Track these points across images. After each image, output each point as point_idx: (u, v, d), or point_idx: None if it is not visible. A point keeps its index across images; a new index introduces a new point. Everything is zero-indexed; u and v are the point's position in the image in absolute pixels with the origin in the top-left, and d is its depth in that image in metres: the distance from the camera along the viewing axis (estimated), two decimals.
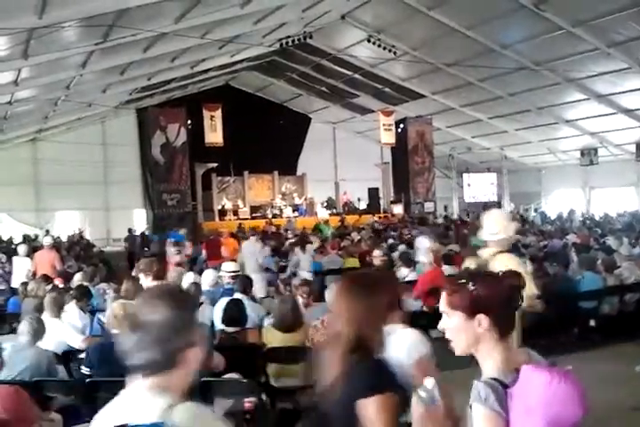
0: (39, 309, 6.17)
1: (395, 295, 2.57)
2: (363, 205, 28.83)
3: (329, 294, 5.25)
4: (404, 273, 9.54)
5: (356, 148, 30.77)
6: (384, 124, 27.52)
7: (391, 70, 23.55)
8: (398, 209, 28.49)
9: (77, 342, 5.78)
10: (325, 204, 28.21)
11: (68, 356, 5.57)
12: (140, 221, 26.39)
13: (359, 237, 15.52)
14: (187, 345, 1.70)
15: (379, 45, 19.51)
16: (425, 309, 8.72)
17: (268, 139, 26.17)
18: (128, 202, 26.59)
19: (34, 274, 10.26)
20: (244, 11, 13.56)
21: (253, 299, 7.04)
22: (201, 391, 3.73)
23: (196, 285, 7.10)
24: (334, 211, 27.71)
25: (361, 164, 29.70)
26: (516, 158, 31.09)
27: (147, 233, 23.59)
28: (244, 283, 6.87)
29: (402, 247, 12.60)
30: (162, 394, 1.64)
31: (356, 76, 24.81)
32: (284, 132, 27.82)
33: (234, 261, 10.67)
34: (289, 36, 19.09)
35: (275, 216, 25.28)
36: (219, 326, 5.86)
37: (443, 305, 1.99)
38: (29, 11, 9.40)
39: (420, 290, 8.72)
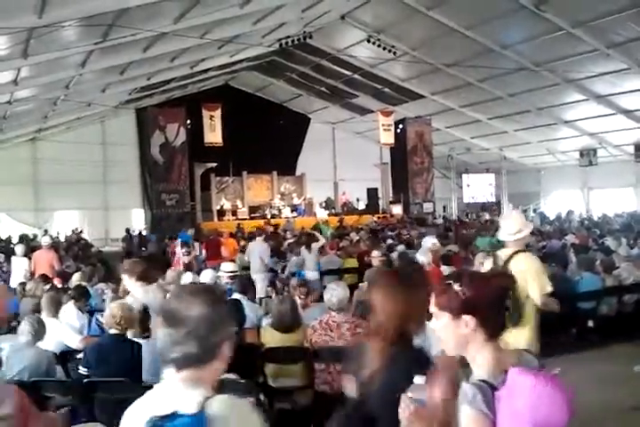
0: (37, 309, 6.17)
1: (429, 289, 2.65)
2: (362, 206, 28.82)
3: (327, 295, 5.25)
4: None
5: (355, 148, 30.78)
6: (383, 125, 27.53)
7: (391, 70, 23.56)
8: (397, 209, 28.48)
9: (75, 342, 5.78)
10: (324, 204, 28.20)
11: (66, 356, 5.57)
12: (138, 221, 26.42)
13: (358, 238, 15.51)
14: (222, 340, 1.78)
15: (378, 45, 19.52)
16: None
17: (268, 139, 26.16)
18: (127, 202, 26.60)
19: (32, 274, 10.27)
20: (244, 11, 13.56)
21: (252, 299, 7.03)
22: None
23: None
24: (333, 211, 27.70)
25: (360, 164, 29.70)
26: (515, 159, 31.10)
27: (144, 233, 23.63)
28: (243, 283, 6.86)
29: (400, 248, 12.59)
30: (196, 386, 1.70)
31: (356, 76, 24.82)
32: (283, 133, 27.80)
33: (233, 261, 10.69)
34: (288, 36, 19.09)
35: (273, 216, 25.25)
36: None
37: (431, 306, 2.00)
38: (29, 10, 9.40)
39: None
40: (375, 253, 10.70)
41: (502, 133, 27.44)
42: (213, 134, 24.93)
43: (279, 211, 26.09)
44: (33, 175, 25.07)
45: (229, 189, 28.20)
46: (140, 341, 4.94)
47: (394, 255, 11.20)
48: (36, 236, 21.47)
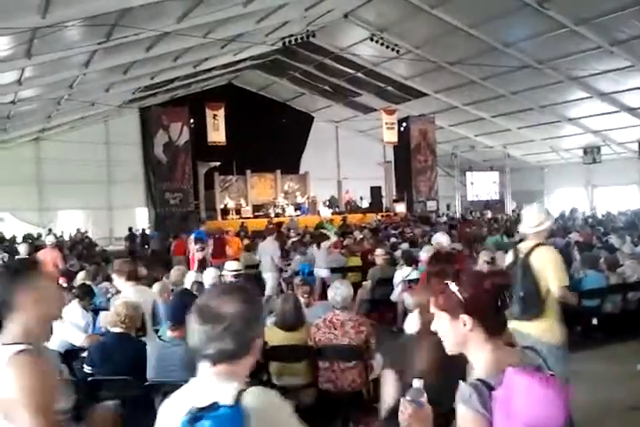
0: None
1: None
2: (365, 204, 28.80)
3: (331, 293, 5.27)
4: (406, 272, 9.54)
5: (358, 146, 30.80)
6: (387, 123, 27.53)
7: (394, 69, 23.53)
8: (401, 208, 28.47)
9: (80, 340, 5.80)
10: (328, 202, 28.21)
11: (71, 354, 5.59)
12: (142, 220, 26.45)
13: (361, 236, 15.52)
14: (255, 336, 1.86)
15: (381, 44, 19.50)
16: None
17: (271, 137, 26.19)
18: (131, 201, 26.65)
19: None
20: (247, 9, 13.56)
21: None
22: None
23: (199, 284, 7.09)
24: (336, 209, 27.70)
25: (363, 162, 29.74)
26: (518, 157, 31.08)
27: (148, 232, 23.69)
28: (247, 282, 6.88)
29: (404, 246, 12.59)
30: (230, 380, 1.78)
31: (359, 74, 24.80)
32: (286, 131, 27.82)
33: (237, 260, 10.71)
34: (292, 35, 19.09)
35: (277, 215, 25.24)
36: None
37: (432, 306, 2.01)
38: (32, 10, 9.43)
39: None
40: (379, 252, 10.75)
41: (506, 131, 27.42)
42: (217, 133, 24.96)
43: (283, 209, 26.08)
44: (37, 175, 25.13)
45: (233, 187, 28.21)
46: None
47: (397, 253, 11.23)
48: (40, 235, 21.53)
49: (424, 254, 9.27)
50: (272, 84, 28.80)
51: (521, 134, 27.43)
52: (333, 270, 11.18)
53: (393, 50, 19.73)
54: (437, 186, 30.07)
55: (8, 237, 21.32)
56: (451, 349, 1.98)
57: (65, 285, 8.66)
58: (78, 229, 23.91)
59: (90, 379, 4.61)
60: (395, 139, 28.06)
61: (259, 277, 10.92)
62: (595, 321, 8.17)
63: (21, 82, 13.58)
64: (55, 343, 5.40)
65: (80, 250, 17.53)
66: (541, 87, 21.32)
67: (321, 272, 11.06)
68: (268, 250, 11.29)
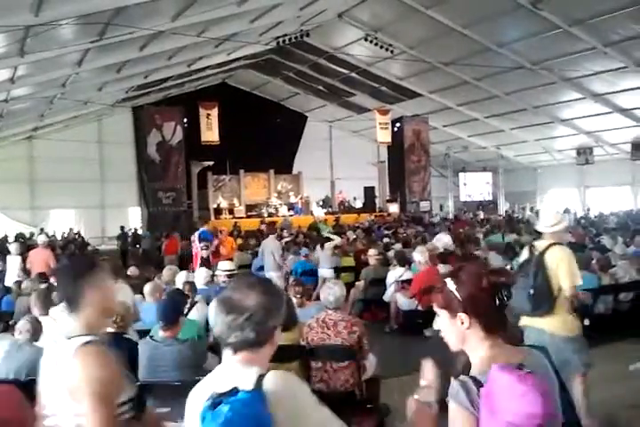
0: None
1: None
2: (358, 204, 28.80)
3: (324, 293, 5.26)
4: (399, 272, 9.56)
5: (352, 146, 30.81)
6: (380, 123, 27.58)
7: (388, 69, 23.56)
8: (394, 208, 28.49)
9: None
10: (321, 202, 28.20)
11: None
12: (135, 219, 26.37)
13: (354, 236, 15.53)
14: (275, 326, 1.98)
15: (376, 44, 19.52)
16: (420, 308, 8.74)
17: (265, 137, 26.17)
18: (123, 200, 26.56)
19: (28, 272, 10.25)
20: (241, 9, 13.57)
21: None
22: None
23: (191, 283, 7.08)
24: (330, 210, 27.70)
25: (357, 162, 29.75)
26: (511, 157, 31.16)
27: (139, 231, 23.63)
28: None
29: (397, 246, 12.60)
30: (251, 367, 1.89)
31: (353, 74, 24.82)
32: (280, 131, 27.81)
33: (230, 259, 10.70)
34: (286, 35, 19.09)
35: (270, 215, 25.22)
36: (213, 324, 5.84)
37: (434, 304, 2.05)
38: (26, 8, 9.39)
39: (415, 289, 8.74)
40: (372, 252, 10.76)
41: (499, 132, 27.50)
42: (210, 133, 24.94)
43: (276, 209, 26.05)
44: (29, 174, 25.00)
45: (226, 187, 28.18)
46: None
47: (390, 254, 11.24)
48: (32, 234, 21.44)
49: (417, 255, 9.30)
50: (266, 84, 28.77)
51: (514, 135, 27.51)
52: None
53: (387, 50, 19.75)
54: (430, 186, 30.13)
55: (0, 236, 21.22)
56: (452, 346, 2.01)
57: (56, 284, 8.61)
58: (71, 229, 23.82)
59: None
60: (388, 139, 28.11)
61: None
62: (587, 322, 8.18)
63: (14, 80, 13.52)
64: (45, 343, 5.37)
65: (72, 249, 17.46)
66: (535, 88, 21.40)
67: (324, 272, 11.08)
68: (270, 249, 11.31)
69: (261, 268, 11.37)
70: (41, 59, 12.21)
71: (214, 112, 25.00)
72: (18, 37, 10.56)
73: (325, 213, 26.14)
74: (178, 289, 6.81)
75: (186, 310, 5.94)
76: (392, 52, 19.93)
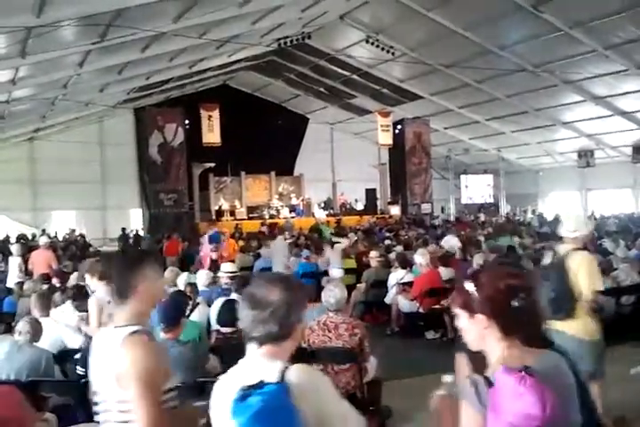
0: None
1: None
2: (360, 206, 28.80)
3: (325, 295, 5.25)
4: (400, 274, 9.55)
5: (353, 148, 30.75)
6: (381, 125, 27.59)
7: (389, 71, 23.57)
8: (395, 210, 28.50)
9: (78, 342, 5.76)
10: (323, 204, 28.20)
11: (64, 356, 5.55)
12: (136, 220, 26.38)
13: (356, 238, 15.52)
14: (297, 321, 2.06)
15: (377, 46, 19.54)
16: (421, 310, 8.73)
17: (266, 139, 26.11)
18: (125, 202, 26.55)
19: (30, 274, 10.26)
20: (243, 10, 13.55)
21: None
22: (197, 392, 3.72)
23: (193, 285, 7.07)
24: (331, 211, 27.70)
25: (358, 165, 29.72)
26: (513, 160, 31.16)
27: (141, 233, 23.63)
28: (242, 283, 6.85)
29: (399, 248, 12.59)
30: (274, 360, 1.98)
31: (354, 76, 24.81)
32: (281, 133, 27.75)
33: (232, 261, 10.70)
34: (287, 37, 19.10)
35: (272, 217, 25.23)
36: (214, 326, 5.85)
37: (453, 305, 2.11)
38: (27, 10, 9.38)
39: (417, 291, 8.73)
40: (373, 254, 10.76)
41: (500, 134, 27.49)
42: (212, 134, 24.96)
43: (277, 211, 26.06)
44: (31, 175, 25.00)
45: (227, 189, 28.19)
46: None
47: (392, 256, 11.24)
48: (34, 235, 21.44)
49: (418, 257, 9.29)
50: (267, 86, 28.76)
51: (515, 138, 27.51)
52: (327, 273, 11.18)
53: (388, 52, 19.76)
54: (432, 189, 30.11)
55: (1, 237, 21.21)
56: (473, 346, 2.07)
57: (58, 285, 8.63)
58: (73, 230, 23.81)
59: (83, 380, 4.58)
60: (389, 141, 28.11)
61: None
62: None
63: (15, 81, 13.52)
64: (45, 344, 5.37)
65: (74, 251, 17.45)
66: (536, 90, 21.41)
67: (335, 272, 11.08)
68: (280, 249, 11.33)
69: (264, 269, 11.36)
70: (42, 60, 12.21)
71: (215, 114, 25.02)
72: (19, 38, 10.56)
73: (327, 215, 26.15)
74: (179, 290, 6.81)
75: (187, 312, 5.94)
76: (393, 54, 19.94)
